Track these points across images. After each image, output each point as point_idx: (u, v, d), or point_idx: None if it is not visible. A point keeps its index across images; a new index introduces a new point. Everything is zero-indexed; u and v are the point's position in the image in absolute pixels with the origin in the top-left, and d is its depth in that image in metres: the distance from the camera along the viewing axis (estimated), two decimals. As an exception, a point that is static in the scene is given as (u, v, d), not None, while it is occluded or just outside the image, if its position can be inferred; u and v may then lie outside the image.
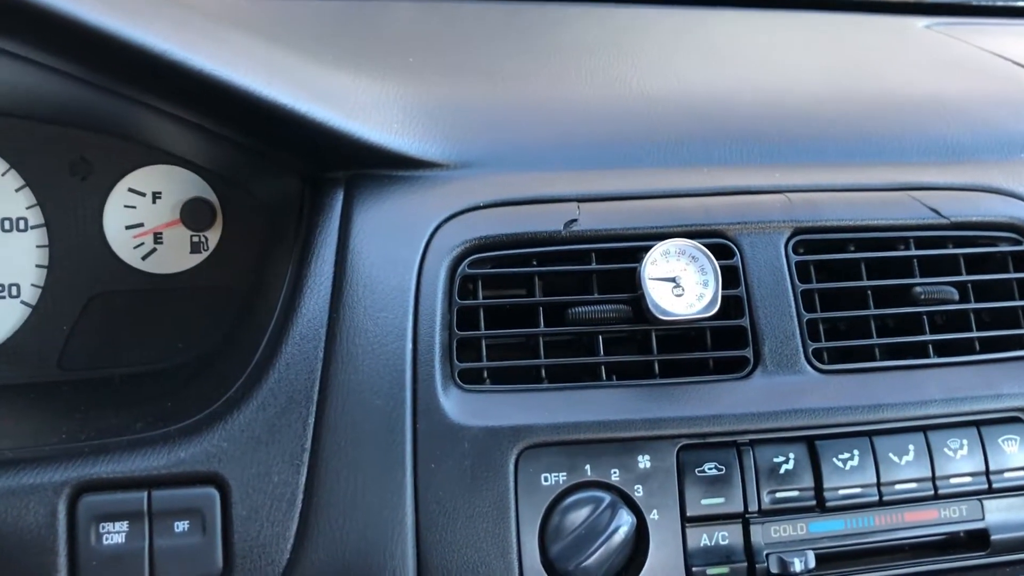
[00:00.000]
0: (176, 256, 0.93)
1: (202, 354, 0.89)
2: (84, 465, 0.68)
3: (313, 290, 0.74)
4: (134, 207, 0.92)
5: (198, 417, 0.71)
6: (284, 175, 0.84)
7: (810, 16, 1.26)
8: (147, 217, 0.92)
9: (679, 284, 0.76)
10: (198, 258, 0.93)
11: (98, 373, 0.89)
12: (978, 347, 0.82)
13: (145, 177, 0.92)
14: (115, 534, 0.68)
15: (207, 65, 0.65)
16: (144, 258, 0.92)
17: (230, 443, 0.70)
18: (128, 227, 0.92)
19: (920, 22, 1.29)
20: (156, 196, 0.93)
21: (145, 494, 0.69)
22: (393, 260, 0.75)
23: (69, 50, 0.64)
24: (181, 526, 0.69)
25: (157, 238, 0.93)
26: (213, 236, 0.93)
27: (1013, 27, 1.32)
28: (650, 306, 0.74)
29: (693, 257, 0.76)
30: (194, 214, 0.92)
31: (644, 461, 0.73)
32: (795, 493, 0.75)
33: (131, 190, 0.92)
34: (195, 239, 0.93)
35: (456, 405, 0.72)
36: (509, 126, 0.85)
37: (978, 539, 0.78)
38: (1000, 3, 1.36)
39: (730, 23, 1.20)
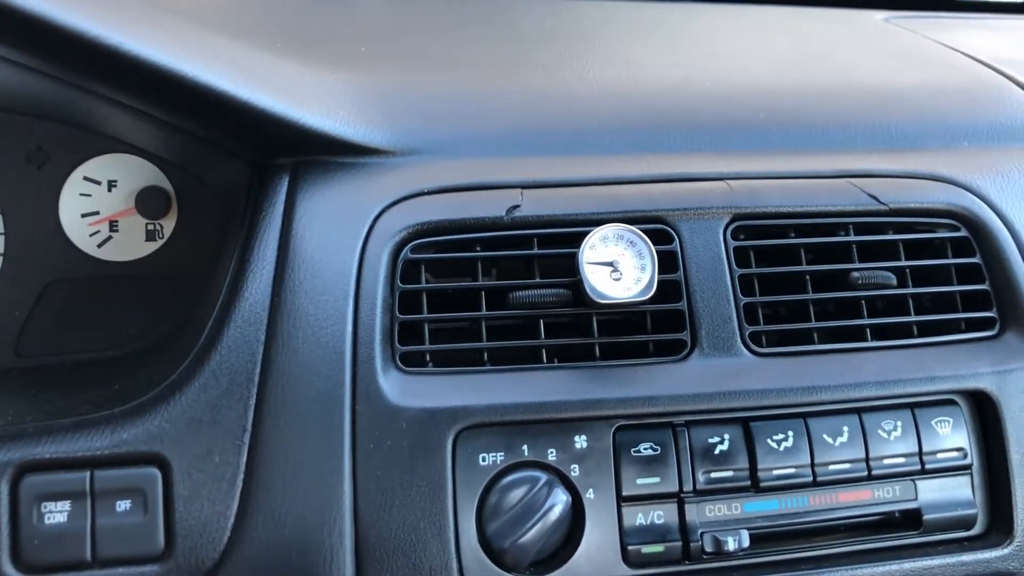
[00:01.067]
0: (131, 244, 0.94)
1: (156, 340, 0.90)
2: (27, 446, 0.69)
3: (256, 274, 0.75)
4: (89, 195, 0.93)
5: (142, 399, 0.72)
6: (234, 162, 0.85)
7: (772, 10, 1.28)
8: (102, 205, 0.93)
9: (617, 268, 0.77)
10: (153, 246, 0.94)
11: (53, 359, 0.90)
12: (916, 331, 0.84)
13: (100, 166, 0.93)
14: (57, 513, 0.69)
15: (141, 49, 0.66)
16: (100, 246, 0.93)
17: (172, 424, 0.71)
18: (84, 215, 0.93)
19: (879, 16, 1.31)
20: (112, 184, 0.94)
21: (88, 474, 0.70)
22: (335, 244, 0.76)
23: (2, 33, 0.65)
24: (123, 505, 0.70)
25: (112, 226, 0.94)
26: (168, 224, 0.95)
27: (971, 21, 1.34)
28: (588, 290, 0.76)
29: (631, 242, 0.78)
30: (149, 202, 0.93)
31: (581, 441, 0.75)
32: (730, 473, 0.76)
33: (87, 178, 0.93)
34: (150, 227, 0.94)
35: (395, 387, 0.73)
36: (455, 114, 0.86)
37: (911, 519, 0.79)
38: (959, -3, 1.38)
39: (692, 16, 1.22)
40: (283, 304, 0.74)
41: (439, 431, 0.72)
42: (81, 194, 0.93)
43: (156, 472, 0.70)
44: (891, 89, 1.01)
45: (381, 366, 0.74)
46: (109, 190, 0.94)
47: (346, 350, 0.73)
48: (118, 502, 0.70)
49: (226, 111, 0.74)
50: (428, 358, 0.77)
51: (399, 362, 0.75)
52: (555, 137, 0.87)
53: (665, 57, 1.05)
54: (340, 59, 0.90)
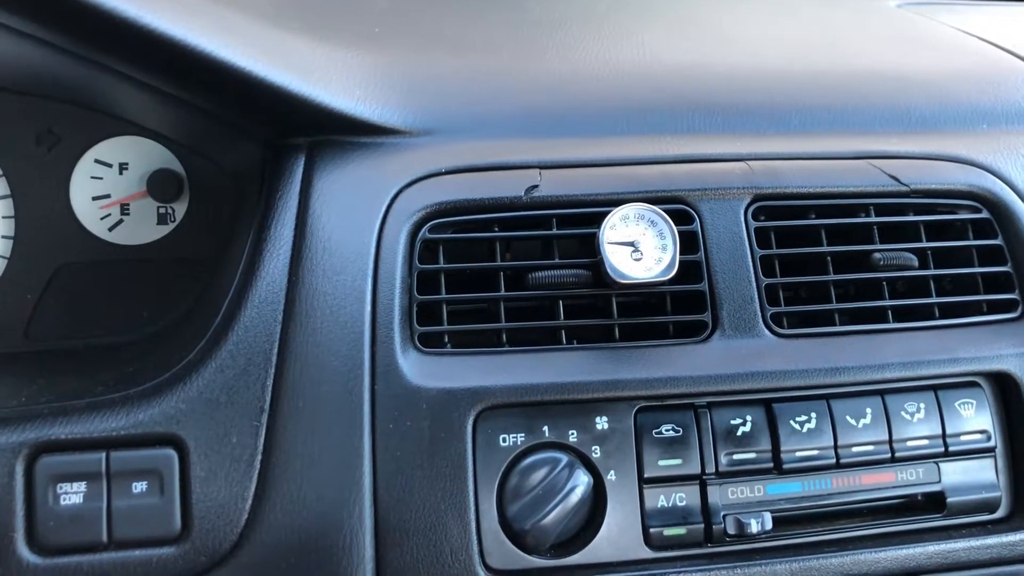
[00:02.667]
0: (143, 227, 0.93)
1: (168, 324, 0.89)
2: (42, 426, 0.68)
3: (273, 254, 0.74)
4: (101, 178, 0.92)
5: (157, 380, 0.71)
6: (248, 143, 0.84)
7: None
8: (114, 188, 0.93)
9: (638, 248, 0.76)
10: (165, 229, 0.94)
11: (64, 343, 0.89)
12: (937, 313, 0.83)
13: (112, 148, 0.92)
14: (73, 494, 0.68)
15: (159, 23, 0.65)
16: (111, 229, 0.92)
17: (189, 405, 0.70)
18: (95, 198, 0.92)
19: (891, 2, 1.30)
20: (123, 167, 0.93)
21: (103, 455, 0.69)
22: (353, 224, 0.75)
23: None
24: (139, 487, 0.69)
25: (124, 209, 0.93)
26: (180, 207, 0.94)
27: (983, 6, 1.33)
28: (608, 270, 0.75)
29: (652, 222, 0.77)
30: (161, 185, 0.92)
31: (602, 423, 0.74)
32: (752, 455, 0.75)
33: (98, 161, 0.92)
34: (162, 210, 0.93)
35: (415, 367, 0.73)
36: (473, 95, 0.85)
37: (934, 501, 0.78)
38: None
39: (706, 1, 1.21)
40: (301, 284, 0.73)
41: (459, 412, 0.71)
42: (92, 177, 0.92)
43: (173, 453, 0.69)
44: (907, 72, 1.00)
45: (400, 346, 0.73)
46: (120, 173, 0.93)
47: (365, 330, 0.72)
48: (134, 483, 0.69)
49: (243, 88, 0.73)
50: (447, 339, 0.76)
51: (418, 343, 0.74)
52: (572, 118, 0.86)
53: (680, 41, 1.04)
54: (357, 39, 0.89)
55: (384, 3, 1.02)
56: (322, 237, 0.74)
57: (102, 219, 0.92)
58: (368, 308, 0.73)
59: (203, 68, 0.70)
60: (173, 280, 0.92)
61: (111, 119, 0.91)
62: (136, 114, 0.89)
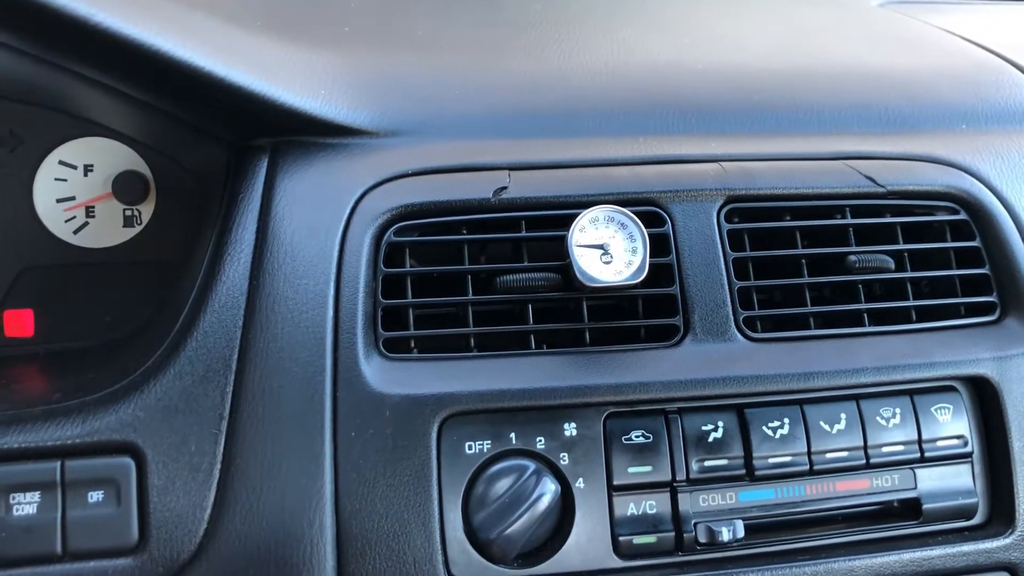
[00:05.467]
0: (109, 230, 0.91)
1: (133, 328, 0.88)
2: (-5, 435, 0.67)
3: (233, 258, 0.73)
4: (65, 180, 0.90)
5: (115, 387, 0.70)
6: (213, 144, 0.82)
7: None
8: (79, 190, 0.91)
9: (607, 251, 0.75)
10: (131, 232, 0.92)
11: (26, 348, 0.87)
12: (914, 316, 0.82)
13: (76, 150, 0.90)
14: (26, 504, 0.66)
15: (112, 22, 0.63)
16: (76, 232, 0.91)
17: (146, 412, 0.68)
18: (59, 200, 0.90)
19: (873, 1, 1.29)
20: (88, 169, 0.91)
21: (58, 464, 0.67)
22: (315, 227, 0.74)
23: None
24: (95, 496, 0.67)
25: (89, 212, 0.91)
26: (146, 210, 0.92)
27: (965, 5, 1.32)
28: (577, 273, 0.73)
29: (622, 224, 0.75)
30: (126, 187, 0.91)
31: (570, 429, 0.72)
32: (724, 462, 0.74)
33: (62, 163, 0.90)
34: (128, 212, 0.92)
35: (378, 373, 0.71)
36: (441, 95, 0.84)
37: (910, 508, 0.77)
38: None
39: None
40: (261, 288, 0.71)
41: (423, 419, 0.70)
42: (56, 179, 0.90)
43: (130, 462, 0.68)
44: (887, 71, 0.98)
45: (363, 352, 0.71)
46: (85, 175, 0.91)
47: (327, 336, 0.71)
48: (90, 493, 0.67)
49: (202, 89, 0.71)
50: (413, 344, 0.75)
51: (382, 348, 0.73)
52: (543, 119, 0.84)
53: (656, 40, 1.03)
54: (323, 38, 0.88)
55: (354, 3, 1.00)
56: (284, 241, 0.73)
57: (67, 221, 0.90)
58: (330, 313, 0.71)
59: (160, 68, 0.68)
60: (140, 283, 0.91)
61: (75, 120, 0.89)
62: (100, 115, 0.87)
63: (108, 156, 0.91)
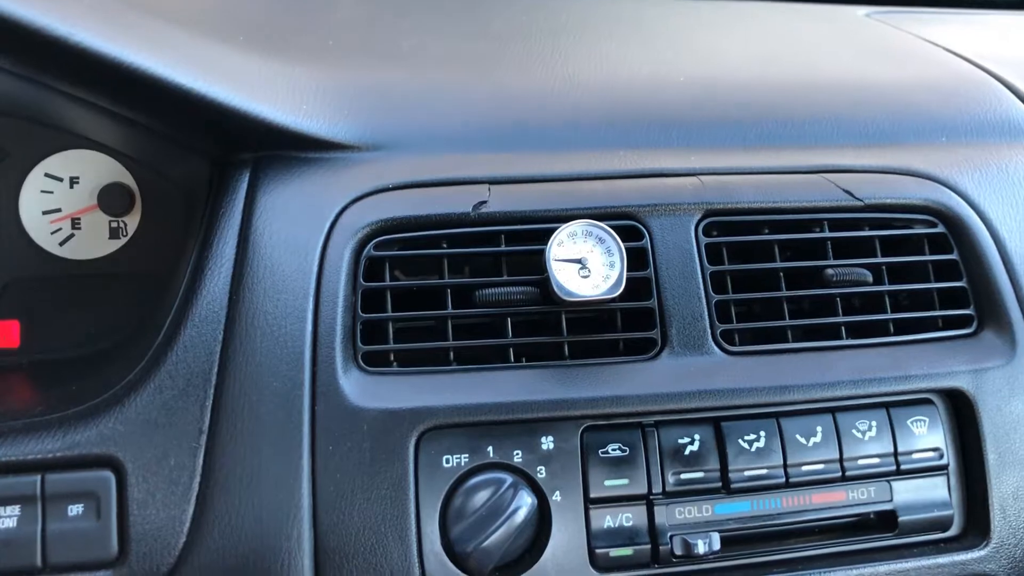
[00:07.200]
0: (94, 242, 0.92)
1: (118, 341, 0.88)
2: (-25, 448, 0.67)
3: (214, 272, 0.73)
4: (51, 192, 0.91)
5: (95, 401, 0.70)
6: (196, 159, 0.83)
7: (750, 5, 1.26)
8: (64, 202, 0.91)
9: (585, 266, 0.75)
10: (117, 244, 0.92)
11: (11, 360, 0.88)
12: (892, 329, 0.82)
13: (62, 162, 0.91)
14: (6, 518, 0.67)
15: (91, 41, 0.64)
16: (62, 244, 0.91)
17: (126, 426, 0.69)
18: (45, 212, 0.91)
19: (860, 11, 1.29)
20: (74, 181, 0.92)
21: (38, 478, 0.68)
22: (296, 241, 0.74)
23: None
24: (75, 510, 0.68)
25: (75, 223, 0.92)
26: (132, 221, 0.93)
27: (952, 16, 1.32)
28: (555, 287, 0.74)
29: (600, 239, 0.76)
30: (112, 199, 0.91)
31: (547, 442, 0.73)
32: (700, 475, 0.74)
33: (48, 175, 0.91)
34: (114, 224, 0.92)
35: (356, 387, 0.72)
36: (421, 108, 0.84)
37: (886, 520, 0.78)
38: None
39: (668, 12, 1.20)
40: (242, 303, 0.72)
41: (401, 432, 0.70)
42: (42, 191, 0.91)
43: (109, 475, 0.68)
44: (868, 84, 0.99)
45: (342, 366, 0.72)
46: (71, 187, 0.92)
47: (305, 350, 0.71)
48: (70, 506, 0.68)
49: (183, 105, 0.72)
50: (392, 358, 0.75)
51: (361, 362, 0.73)
52: (524, 133, 0.85)
53: (638, 53, 1.03)
54: (305, 53, 0.88)
55: (340, 16, 1.01)
56: (264, 255, 0.74)
57: (52, 233, 0.91)
58: (309, 327, 0.72)
59: (140, 86, 0.69)
60: (125, 296, 0.91)
61: (61, 133, 0.89)
62: (85, 129, 0.88)
63: (94, 168, 0.92)
